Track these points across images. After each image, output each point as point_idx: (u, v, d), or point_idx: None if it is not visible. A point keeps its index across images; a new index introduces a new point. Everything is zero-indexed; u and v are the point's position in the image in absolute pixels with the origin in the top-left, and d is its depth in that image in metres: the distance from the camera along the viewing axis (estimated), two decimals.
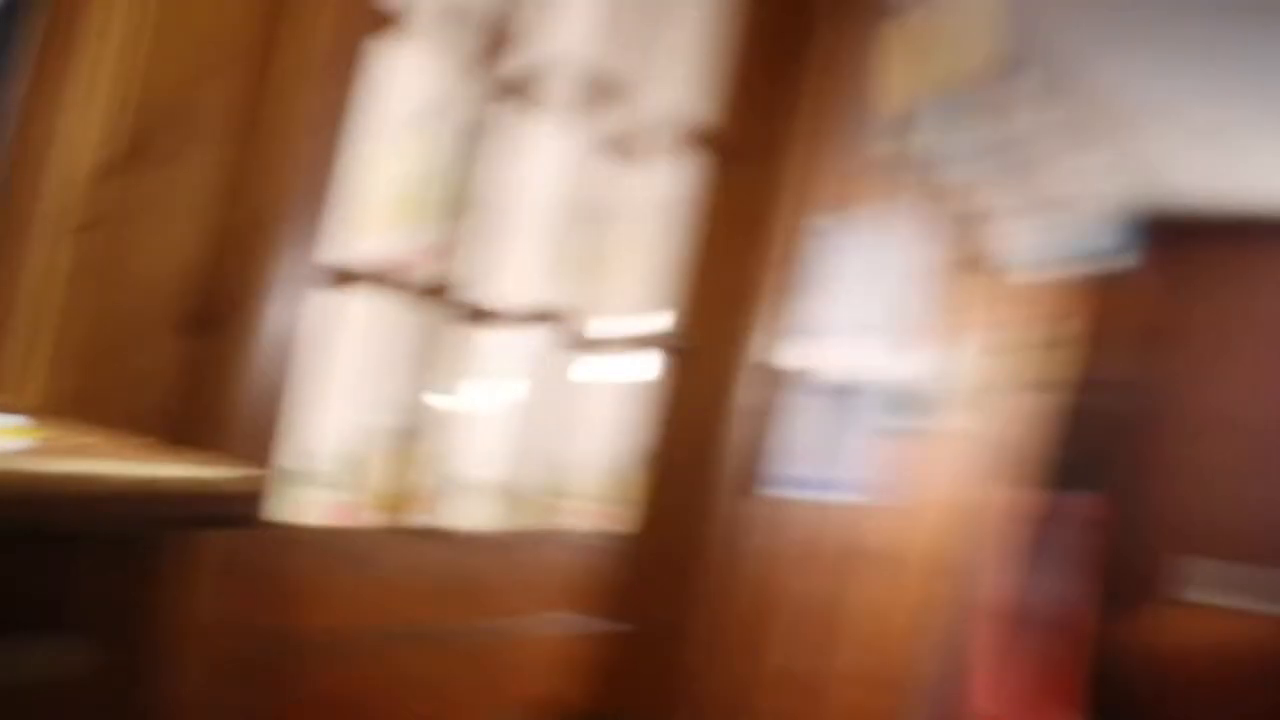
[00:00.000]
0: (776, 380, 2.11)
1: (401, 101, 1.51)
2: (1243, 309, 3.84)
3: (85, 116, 1.03)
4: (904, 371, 2.59)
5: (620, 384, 2.04)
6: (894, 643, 2.99)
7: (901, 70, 2.40)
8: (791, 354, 2.17)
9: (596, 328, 1.94)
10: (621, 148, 1.94)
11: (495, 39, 1.61)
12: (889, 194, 2.51)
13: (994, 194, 3.08)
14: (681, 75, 2.03)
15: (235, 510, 0.85)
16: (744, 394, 2.04)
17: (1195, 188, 3.62)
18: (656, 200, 2.04)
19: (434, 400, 1.61)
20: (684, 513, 2.02)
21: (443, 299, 1.59)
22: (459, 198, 1.61)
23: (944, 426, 2.86)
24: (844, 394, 2.34)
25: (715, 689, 2.14)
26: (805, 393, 2.19)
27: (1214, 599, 3.59)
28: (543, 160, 1.79)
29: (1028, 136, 3.01)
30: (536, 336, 1.85)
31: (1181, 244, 3.86)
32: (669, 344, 2.03)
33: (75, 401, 1.02)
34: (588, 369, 1.95)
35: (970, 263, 2.95)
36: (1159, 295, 3.76)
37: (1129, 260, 3.69)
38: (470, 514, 1.73)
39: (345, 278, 1.38)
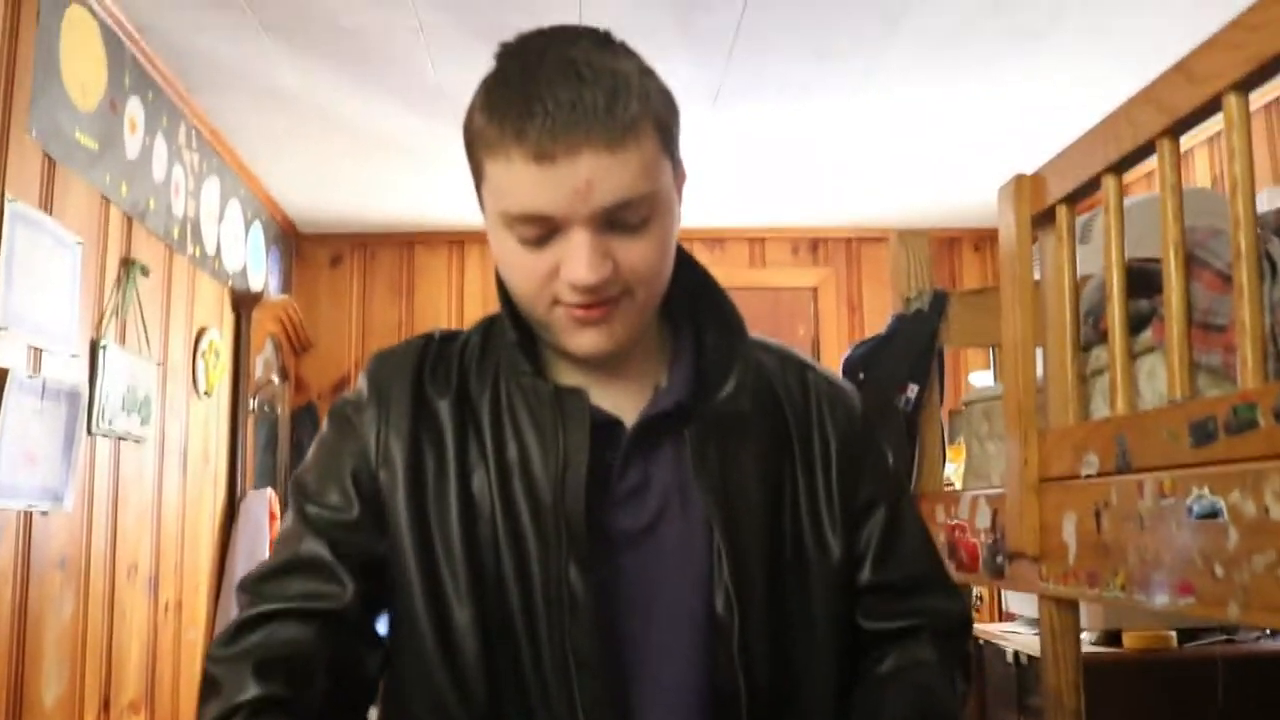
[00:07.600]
0: None
1: None
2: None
3: None
4: (115, 373, 2.54)
5: None
6: (134, 661, 2.82)
7: (94, 67, 2.44)
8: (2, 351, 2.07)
9: None
10: None
11: None
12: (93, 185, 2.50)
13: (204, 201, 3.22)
14: None
15: None
16: None
17: (307, 209, 4.19)
18: None
19: None
20: None
21: None
22: None
23: (153, 431, 2.84)
24: (58, 396, 2.25)
25: None
26: (19, 394, 2.09)
27: None
28: None
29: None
30: None
31: (304, 256, 4.45)
32: None
33: None
34: None
35: (176, 263, 3.03)
36: (297, 303, 4.17)
37: (274, 272, 4.08)
38: None
39: None
